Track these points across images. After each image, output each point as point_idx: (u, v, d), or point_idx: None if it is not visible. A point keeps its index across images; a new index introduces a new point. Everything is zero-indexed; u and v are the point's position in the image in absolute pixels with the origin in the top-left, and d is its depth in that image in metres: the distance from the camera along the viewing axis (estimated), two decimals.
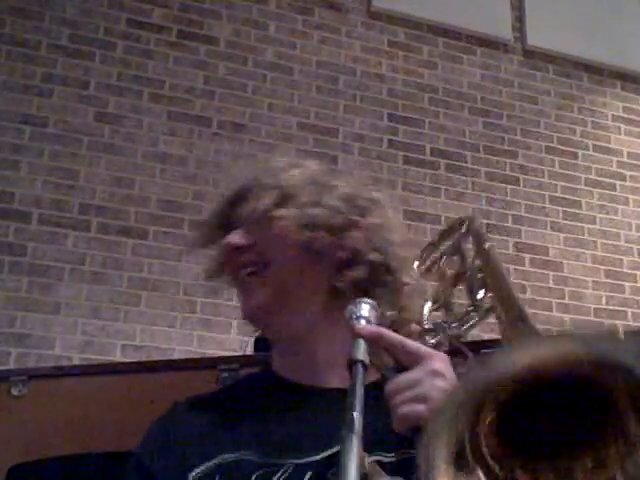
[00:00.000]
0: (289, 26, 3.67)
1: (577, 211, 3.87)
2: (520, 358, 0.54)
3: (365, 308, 0.81)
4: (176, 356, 2.90)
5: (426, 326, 0.94)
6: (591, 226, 3.87)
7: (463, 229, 1.01)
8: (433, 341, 0.90)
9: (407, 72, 3.81)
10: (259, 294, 0.88)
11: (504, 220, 3.69)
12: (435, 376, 0.71)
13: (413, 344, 0.77)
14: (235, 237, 0.92)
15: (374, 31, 3.84)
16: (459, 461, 0.57)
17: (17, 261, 2.90)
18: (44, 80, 3.17)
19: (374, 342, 0.76)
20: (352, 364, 0.72)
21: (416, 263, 1.03)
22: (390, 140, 3.64)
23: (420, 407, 0.69)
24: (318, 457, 0.78)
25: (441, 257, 1.05)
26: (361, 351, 0.73)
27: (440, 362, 0.74)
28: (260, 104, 3.47)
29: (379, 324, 0.80)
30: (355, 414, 0.65)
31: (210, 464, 0.80)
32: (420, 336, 0.91)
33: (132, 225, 3.09)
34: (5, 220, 2.94)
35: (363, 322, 0.79)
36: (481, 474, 0.58)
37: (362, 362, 0.72)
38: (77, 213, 3.03)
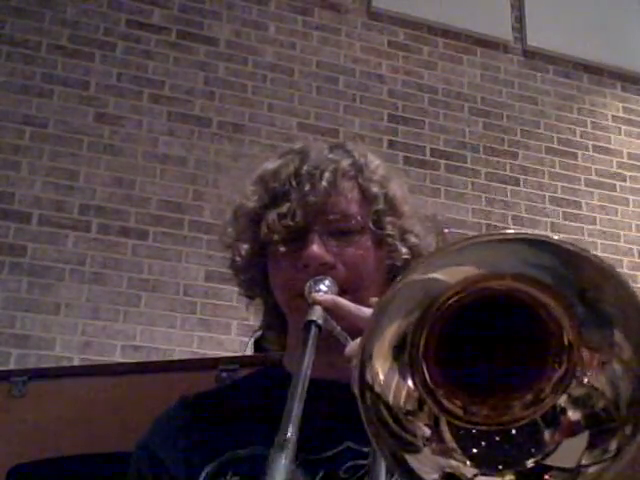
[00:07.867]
0: (289, 27, 3.67)
1: (577, 212, 3.87)
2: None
3: (325, 283, 0.80)
4: (176, 356, 2.90)
5: None
6: (591, 227, 3.86)
7: None
8: None
9: (407, 72, 3.81)
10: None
11: (504, 221, 3.69)
12: None
13: (368, 309, 0.72)
14: (321, 250, 0.80)
15: (374, 31, 3.83)
16: (398, 355, 0.55)
17: (17, 261, 2.90)
18: (44, 81, 3.17)
19: (330, 309, 0.74)
20: (306, 325, 0.69)
21: None
22: (390, 140, 3.64)
23: None
24: (330, 453, 0.77)
25: None
26: (317, 314, 0.71)
27: None
28: (260, 104, 3.47)
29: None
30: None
31: (222, 459, 0.79)
32: None
33: (132, 225, 3.09)
34: (5, 220, 2.94)
35: (321, 293, 0.78)
36: (415, 377, 0.56)
37: (316, 322, 0.69)
38: (77, 213, 3.03)
